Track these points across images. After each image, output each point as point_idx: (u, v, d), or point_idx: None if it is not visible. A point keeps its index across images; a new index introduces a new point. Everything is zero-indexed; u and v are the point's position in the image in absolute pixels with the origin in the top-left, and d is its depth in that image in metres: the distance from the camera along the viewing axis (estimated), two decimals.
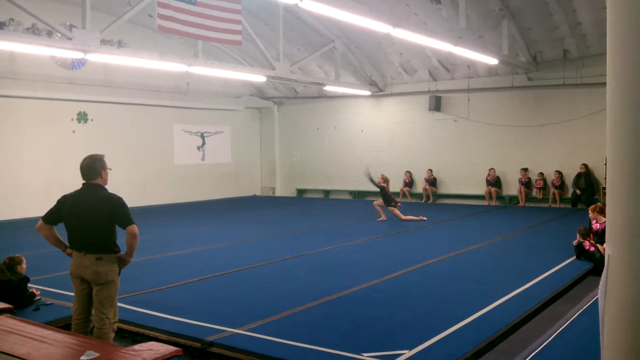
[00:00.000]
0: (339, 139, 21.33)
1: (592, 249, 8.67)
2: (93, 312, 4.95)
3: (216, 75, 16.32)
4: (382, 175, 14.27)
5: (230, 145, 21.81)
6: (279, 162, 22.89)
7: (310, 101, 21.92)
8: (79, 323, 5.01)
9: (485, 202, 17.87)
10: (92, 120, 17.18)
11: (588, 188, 16.01)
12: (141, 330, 5.90)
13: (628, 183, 2.72)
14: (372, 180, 14.04)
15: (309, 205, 19.03)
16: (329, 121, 21.56)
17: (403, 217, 13.76)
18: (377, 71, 19.42)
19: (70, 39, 10.82)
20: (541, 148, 17.25)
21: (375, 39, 16.67)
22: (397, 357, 4.91)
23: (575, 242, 8.98)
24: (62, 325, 5.67)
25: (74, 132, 16.74)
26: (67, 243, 5.02)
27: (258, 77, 16.41)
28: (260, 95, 22.48)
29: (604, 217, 3.62)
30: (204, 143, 20.80)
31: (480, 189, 18.17)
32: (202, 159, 20.79)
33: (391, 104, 20.12)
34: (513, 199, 17.68)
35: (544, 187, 17.16)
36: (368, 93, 19.85)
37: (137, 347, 3.79)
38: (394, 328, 5.76)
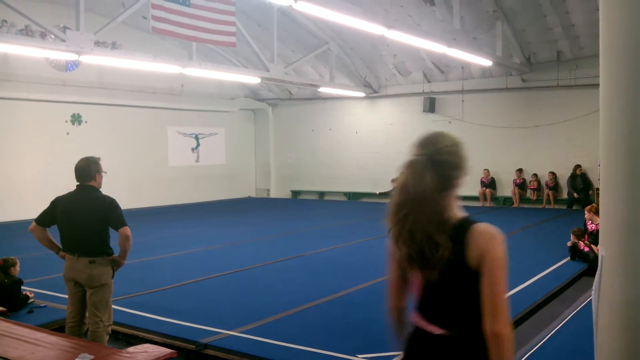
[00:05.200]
0: (333, 140, 21.33)
1: (587, 249, 8.71)
2: (87, 315, 4.92)
3: (210, 76, 16.30)
4: None
5: (224, 146, 21.77)
6: (273, 164, 22.84)
7: (305, 103, 21.91)
8: (73, 326, 4.97)
9: (479, 203, 17.91)
10: (86, 122, 17.12)
11: (585, 189, 16.06)
12: (136, 333, 5.88)
13: (621, 184, 2.73)
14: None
15: (304, 206, 19.01)
16: (323, 123, 21.56)
17: None
18: (371, 73, 19.44)
19: (64, 40, 10.78)
20: (535, 149, 17.30)
21: (370, 40, 16.67)
22: (391, 359, 4.91)
23: (569, 243, 9.02)
24: (56, 327, 5.63)
25: (68, 134, 16.68)
26: (60, 245, 4.99)
27: (252, 79, 16.39)
28: (255, 97, 22.45)
29: None
30: (198, 145, 20.76)
31: (475, 190, 18.20)
32: (197, 161, 20.74)
33: (385, 106, 20.15)
34: (507, 200, 17.73)
35: (538, 188, 17.21)
36: (362, 94, 19.86)
37: (131, 349, 3.78)
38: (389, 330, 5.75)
